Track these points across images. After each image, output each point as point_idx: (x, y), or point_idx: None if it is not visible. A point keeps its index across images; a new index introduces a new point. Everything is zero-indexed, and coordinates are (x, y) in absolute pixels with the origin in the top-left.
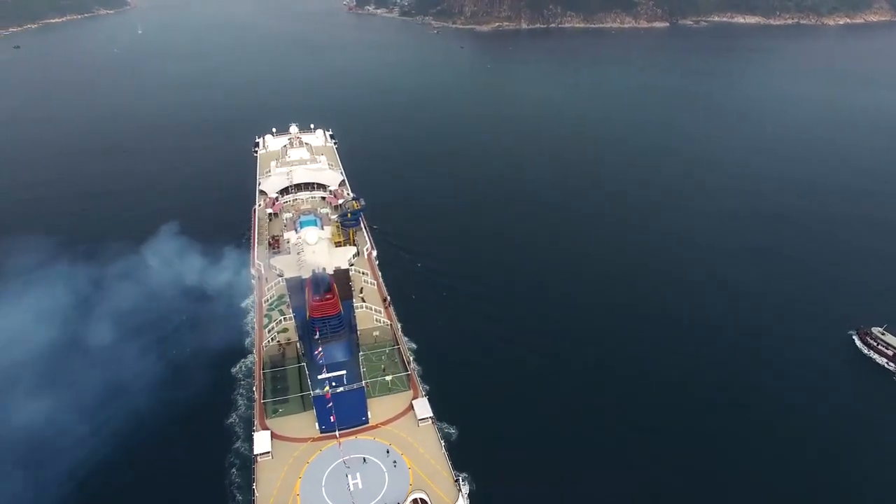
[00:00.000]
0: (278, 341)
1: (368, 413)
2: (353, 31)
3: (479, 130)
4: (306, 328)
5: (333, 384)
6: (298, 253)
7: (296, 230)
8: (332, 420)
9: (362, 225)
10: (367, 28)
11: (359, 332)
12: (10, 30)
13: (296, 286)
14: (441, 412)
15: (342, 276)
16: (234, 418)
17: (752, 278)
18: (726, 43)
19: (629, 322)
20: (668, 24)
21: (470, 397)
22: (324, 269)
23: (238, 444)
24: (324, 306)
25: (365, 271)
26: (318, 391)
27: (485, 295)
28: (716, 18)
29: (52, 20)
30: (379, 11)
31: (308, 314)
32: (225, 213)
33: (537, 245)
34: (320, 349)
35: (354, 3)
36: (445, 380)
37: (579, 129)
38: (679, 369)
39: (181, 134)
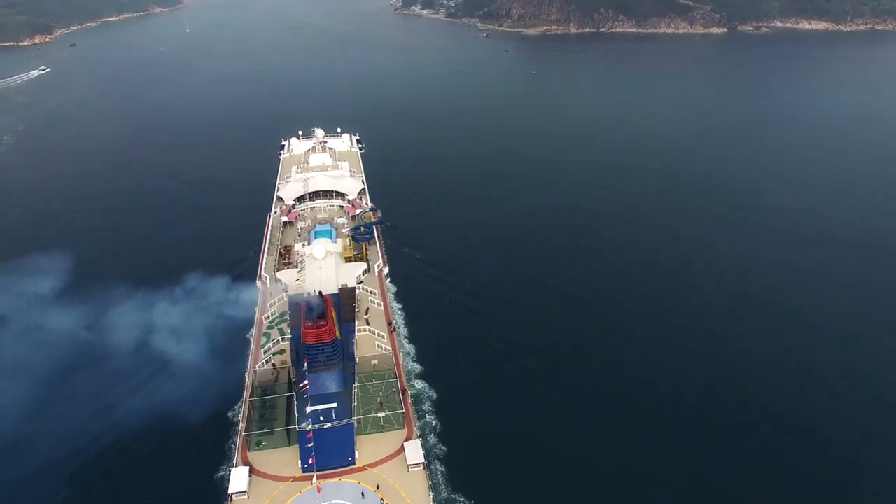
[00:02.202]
0: (273, 364)
1: (356, 453)
2: (398, 32)
3: (519, 141)
4: (300, 353)
5: (322, 419)
6: (299, 270)
7: (309, 240)
8: (311, 462)
9: (377, 239)
10: (412, 30)
11: (357, 360)
12: (72, 28)
13: (297, 305)
14: (453, 483)
15: (347, 296)
16: (224, 471)
17: (832, 313)
18: (791, 51)
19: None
20: (725, 30)
21: (491, 472)
22: (319, 293)
23: None
24: (317, 333)
25: (373, 290)
26: (304, 425)
27: (522, 334)
28: (779, 24)
29: (109, 18)
30: (425, 13)
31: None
32: (245, 222)
33: (589, 273)
34: (305, 382)
35: (401, 4)
36: (460, 443)
37: (628, 143)
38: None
39: (210, 135)
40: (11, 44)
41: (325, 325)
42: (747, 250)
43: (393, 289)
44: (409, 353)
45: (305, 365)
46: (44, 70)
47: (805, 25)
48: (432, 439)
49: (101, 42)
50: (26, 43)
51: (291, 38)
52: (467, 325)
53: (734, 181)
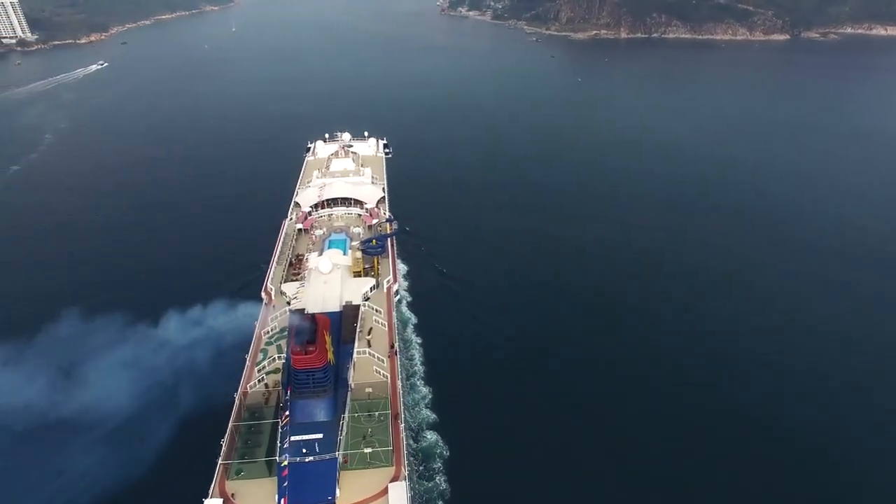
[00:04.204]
0: (266, 384)
1: (338, 490)
2: (443, 34)
3: (560, 153)
4: (290, 377)
5: (304, 450)
6: (299, 285)
7: (322, 250)
8: (284, 502)
9: (390, 252)
10: (457, 32)
11: (353, 386)
12: (127, 26)
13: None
14: None
15: (350, 315)
16: None
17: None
18: (866, 61)
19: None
20: (788, 36)
21: None
22: (312, 315)
23: None
24: (305, 359)
25: (379, 308)
26: (282, 459)
27: (567, 383)
28: (849, 30)
29: (162, 17)
30: (471, 14)
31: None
32: (266, 227)
33: (652, 304)
34: (287, 413)
35: (447, 5)
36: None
37: (675, 159)
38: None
39: (242, 135)
40: (70, 41)
41: (313, 350)
42: (821, 277)
43: (414, 319)
44: (424, 398)
45: (288, 393)
46: (102, 65)
47: (879, 31)
48: None
49: (150, 40)
50: (83, 41)
51: (333, 37)
52: (498, 366)
53: (797, 200)
